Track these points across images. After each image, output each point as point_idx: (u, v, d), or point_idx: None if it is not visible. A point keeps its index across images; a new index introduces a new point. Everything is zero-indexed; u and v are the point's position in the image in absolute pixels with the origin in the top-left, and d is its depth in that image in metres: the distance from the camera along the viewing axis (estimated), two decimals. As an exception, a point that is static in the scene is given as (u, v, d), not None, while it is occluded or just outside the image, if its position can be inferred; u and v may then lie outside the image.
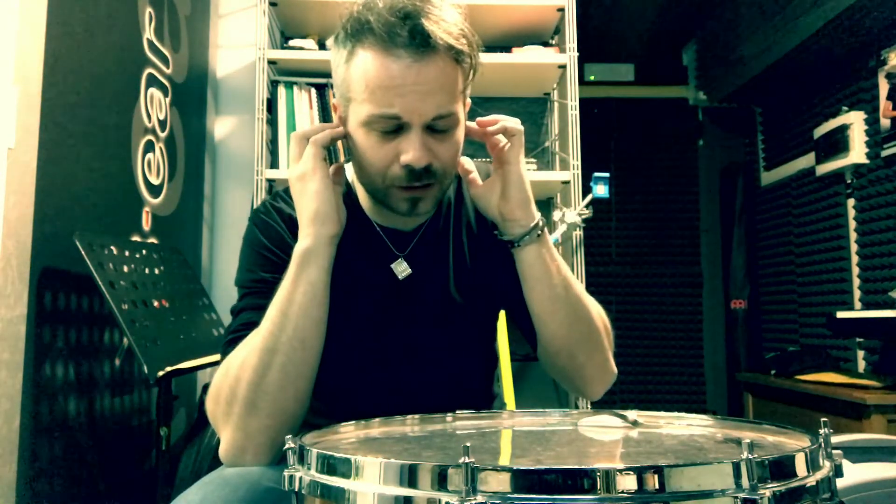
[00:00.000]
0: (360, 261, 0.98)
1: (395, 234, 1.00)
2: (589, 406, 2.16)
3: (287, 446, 0.57)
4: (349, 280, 0.97)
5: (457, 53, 0.85)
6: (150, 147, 1.93)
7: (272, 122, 2.22)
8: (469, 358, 1.08)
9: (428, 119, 0.85)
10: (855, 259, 2.65)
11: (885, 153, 2.42)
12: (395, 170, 0.87)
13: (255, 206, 2.16)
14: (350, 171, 1.02)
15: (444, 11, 0.85)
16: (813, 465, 0.53)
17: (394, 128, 0.85)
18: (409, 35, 0.82)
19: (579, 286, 0.95)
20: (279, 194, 1.01)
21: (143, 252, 1.69)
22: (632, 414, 0.75)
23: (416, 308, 1.00)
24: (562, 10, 2.28)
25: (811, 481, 0.51)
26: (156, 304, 1.60)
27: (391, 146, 0.86)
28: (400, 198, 0.90)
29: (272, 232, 0.96)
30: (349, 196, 1.00)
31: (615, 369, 1.00)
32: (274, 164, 2.19)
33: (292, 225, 0.95)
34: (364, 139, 0.88)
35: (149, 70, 1.93)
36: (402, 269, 0.99)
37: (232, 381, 0.83)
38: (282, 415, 0.81)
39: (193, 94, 2.29)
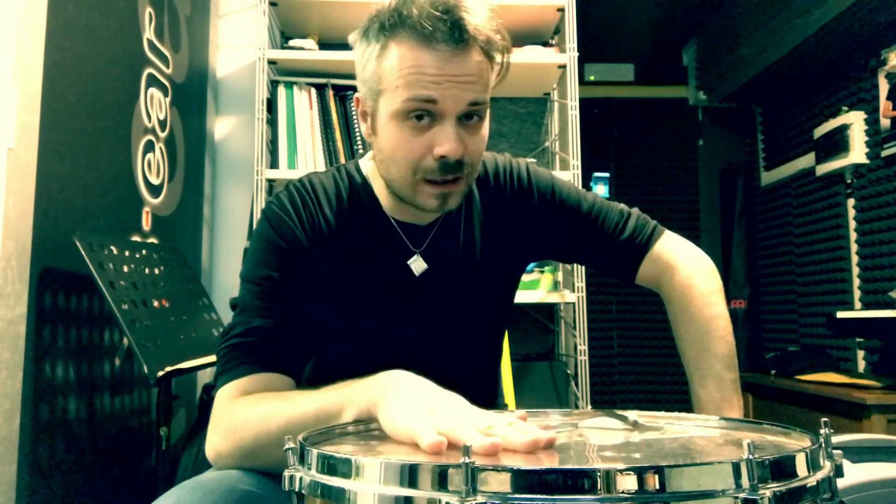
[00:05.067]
0: (376, 256, 0.98)
1: (411, 229, 1.00)
2: (589, 407, 2.16)
3: (287, 446, 0.57)
4: (365, 275, 0.97)
5: (491, 48, 0.88)
6: (150, 147, 1.93)
7: (272, 122, 2.22)
8: (481, 351, 1.09)
9: (462, 109, 0.86)
10: (855, 259, 2.65)
11: (885, 153, 2.42)
12: (427, 162, 0.87)
13: (255, 206, 2.16)
14: (366, 165, 1.02)
15: (478, 8, 0.87)
16: (813, 466, 0.53)
17: (427, 117, 0.86)
18: (450, 29, 0.83)
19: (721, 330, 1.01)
20: (293, 185, 0.99)
21: (143, 252, 1.69)
22: (632, 414, 0.75)
23: (431, 303, 1.00)
24: (562, 10, 2.28)
25: (812, 481, 0.51)
26: (156, 304, 1.60)
27: (424, 138, 0.87)
28: (430, 194, 0.90)
29: (284, 228, 0.94)
30: (365, 189, 1.00)
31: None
32: (274, 164, 2.19)
33: (305, 221, 0.95)
34: (396, 131, 0.88)
35: (149, 70, 1.93)
36: (418, 265, 0.99)
37: (239, 423, 0.81)
38: (267, 463, 0.81)
39: (193, 94, 2.29)
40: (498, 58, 0.91)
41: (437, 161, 0.87)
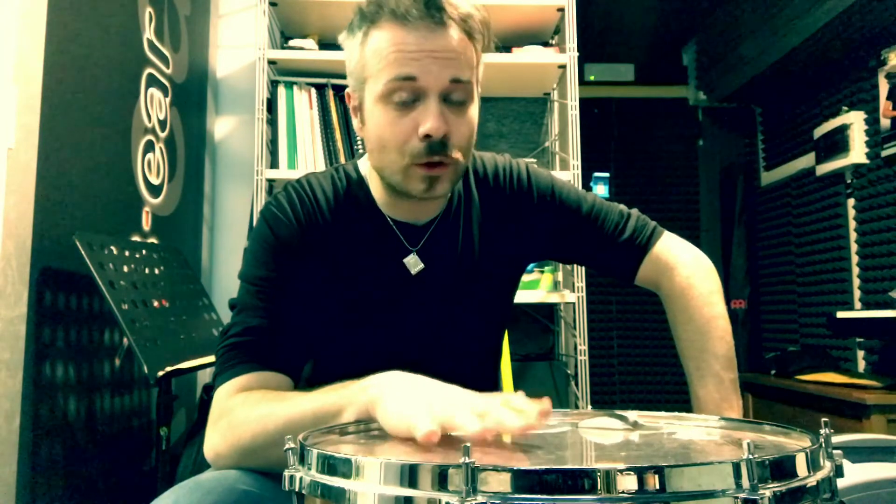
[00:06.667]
0: (372, 255, 0.98)
1: (408, 228, 0.99)
2: (589, 407, 2.16)
3: (287, 446, 0.57)
4: (361, 274, 0.97)
5: (470, 26, 0.88)
6: (150, 147, 1.93)
7: (272, 122, 2.22)
8: (481, 351, 1.09)
9: (444, 84, 0.86)
10: (855, 259, 2.65)
11: (885, 153, 2.42)
12: (413, 143, 0.87)
13: (255, 206, 2.16)
14: (363, 166, 1.02)
15: None
16: (813, 466, 0.53)
17: (411, 97, 0.86)
18: (426, 8, 0.85)
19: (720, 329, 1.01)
20: (291, 186, 0.99)
21: (143, 252, 1.69)
22: (632, 415, 0.75)
23: (427, 302, 1.00)
24: (562, 10, 2.28)
25: (812, 481, 0.51)
26: (156, 304, 1.60)
27: (409, 119, 0.87)
28: (418, 177, 0.89)
29: (282, 228, 0.94)
30: (362, 188, 1.00)
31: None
32: (274, 164, 2.19)
33: (303, 221, 0.95)
34: (381, 115, 0.88)
35: (149, 70, 1.93)
36: (414, 263, 0.99)
37: (238, 423, 0.81)
38: (266, 463, 0.81)
39: (193, 94, 2.29)
40: (478, 35, 0.90)
41: (423, 141, 0.87)
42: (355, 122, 0.96)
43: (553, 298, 2.24)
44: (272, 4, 2.25)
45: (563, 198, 1.06)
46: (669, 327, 1.06)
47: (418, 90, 0.86)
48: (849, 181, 2.68)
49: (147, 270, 1.66)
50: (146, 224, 1.91)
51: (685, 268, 1.04)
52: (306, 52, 2.25)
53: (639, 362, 3.57)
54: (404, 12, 0.85)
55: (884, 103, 2.44)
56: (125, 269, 1.53)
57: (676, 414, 0.78)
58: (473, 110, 0.92)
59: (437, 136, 0.86)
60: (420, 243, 1.00)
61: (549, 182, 1.07)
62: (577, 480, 0.46)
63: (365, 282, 0.98)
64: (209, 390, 2.05)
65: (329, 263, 0.96)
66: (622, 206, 1.10)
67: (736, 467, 0.47)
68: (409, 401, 0.67)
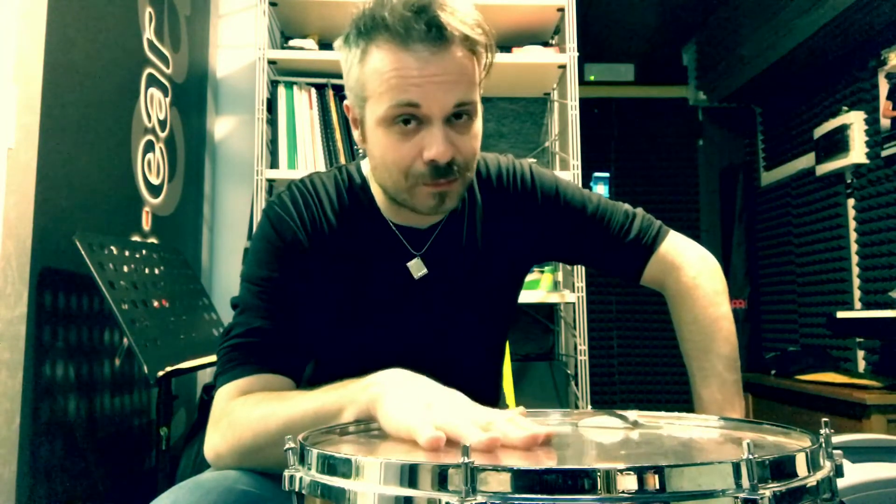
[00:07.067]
0: (375, 259, 0.97)
1: (411, 232, 0.99)
2: (589, 407, 2.16)
3: (287, 446, 0.57)
4: (364, 276, 0.97)
5: (473, 43, 0.85)
6: (150, 147, 1.93)
7: (272, 122, 2.22)
8: (484, 353, 1.09)
9: (448, 110, 0.84)
10: (855, 259, 2.65)
11: (885, 153, 2.42)
12: (418, 166, 0.86)
13: (255, 206, 2.16)
14: (366, 168, 1.01)
15: (456, 2, 0.85)
16: (813, 465, 0.53)
17: (414, 121, 0.84)
18: (426, 28, 0.81)
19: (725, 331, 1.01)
20: (294, 186, 0.98)
21: (143, 252, 1.69)
22: (632, 414, 0.75)
23: (431, 305, 0.99)
24: (562, 10, 2.28)
25: (812, 481, 0.51)
26: (156, 304, 1.60)
27: (413, 143, 0.85)
28: (426, 194, 0.88)
29: (286, 228, 0.94)
30: (364, 192, 0.99)
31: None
32: (274, 164, 2.19)
33: (307, 222, 0.95)
34: (384, 137, 0.86)
35: (149, 70, 1.93)
36: (418, 268, 0.98)
37: (238, 423, 0.81)
38: (266, 463, 0.81)
39: (193, 94, 2.29)
40: (482, 51, 0.88)
41: (428, 165, 0.85)
42: (356, 134, 0.94)
43: (553, 298, 2.24)
44: (272, 4, 2.25)
45: (567, 198, 1.05)
46: (673, 327, 1.05)
47: (421, 115, 0.84)
48: (849, 181, 2.68)
49: (147, 270, 1.66)
50: (146, 224, 1.91)
51: (691, 268, 1.04)
52: (306, 52, 2.25)
53: (639, 362, 3.57)
54: (403, 31, 0.81)
55: (884, 103, 2.44)
56: (125, 269, 1.53)
57: (676, 414, 0.78)
58: (478, 124, 0.90)
59: (443, 162, 0.84)
60: (424, 248, 0.99)
61: (554, 182, 1.06)
62: (577, 480, 0.46)
63: (368, 284, 0.97)
64: (209, 390, 2.05)
65: (332, 264, 0.96)
66: (627, 206, 1.09)
67: (736, 467, 0.47)
68: (410, 404, 0.67)
